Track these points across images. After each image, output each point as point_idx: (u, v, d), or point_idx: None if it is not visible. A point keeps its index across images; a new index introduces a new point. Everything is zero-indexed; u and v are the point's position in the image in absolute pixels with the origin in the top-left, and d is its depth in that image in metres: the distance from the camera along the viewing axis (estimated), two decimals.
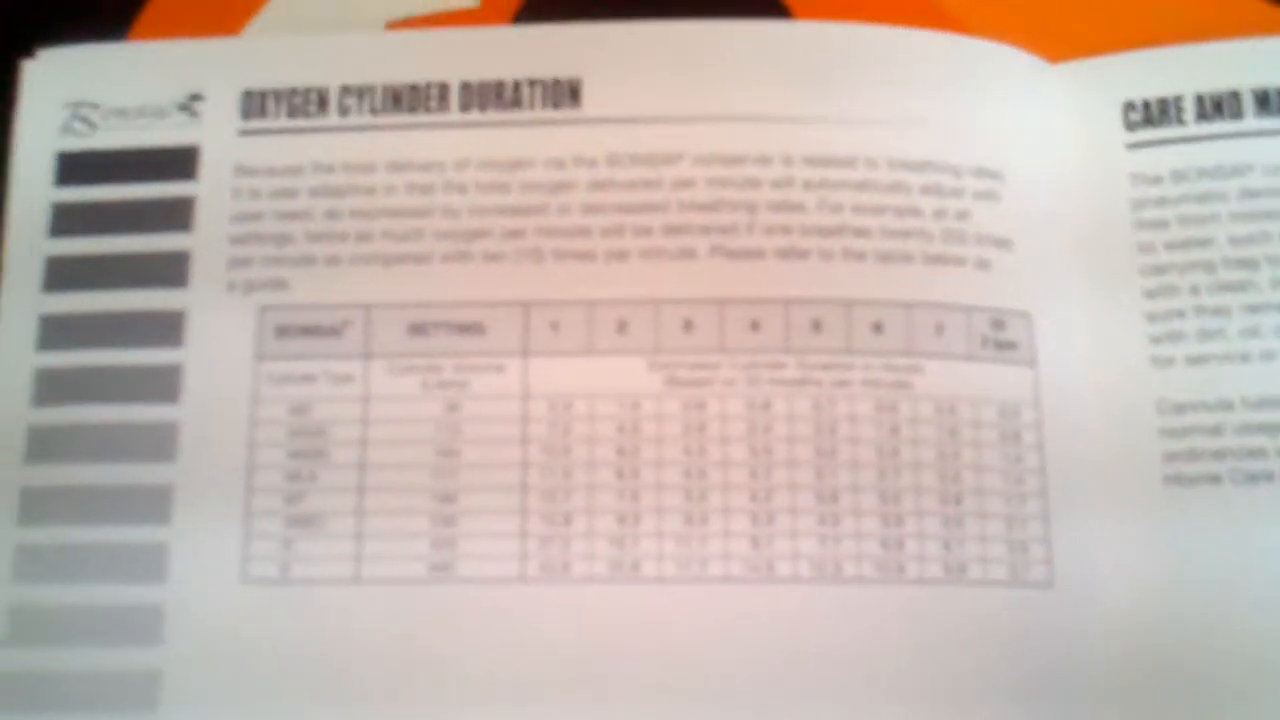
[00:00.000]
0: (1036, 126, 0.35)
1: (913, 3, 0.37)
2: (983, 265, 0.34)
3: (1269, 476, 0.32)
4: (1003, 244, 0.34)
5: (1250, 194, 0.34)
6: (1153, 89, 0.35)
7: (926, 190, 0.34)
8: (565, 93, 0.35)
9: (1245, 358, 0.33)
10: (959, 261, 0.34)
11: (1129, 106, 0.35)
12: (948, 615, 0.31)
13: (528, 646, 0.31)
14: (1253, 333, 0.33)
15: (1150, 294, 0.34)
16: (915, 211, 0.34)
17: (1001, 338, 0.33)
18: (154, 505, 0.32)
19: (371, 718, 0.31)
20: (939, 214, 0.34)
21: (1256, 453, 0.33)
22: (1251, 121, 0.35)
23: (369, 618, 0.32)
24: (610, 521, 0.32)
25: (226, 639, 0.32)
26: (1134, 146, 0.35)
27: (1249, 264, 0.34)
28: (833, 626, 0.31)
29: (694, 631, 0.32)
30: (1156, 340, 0.34)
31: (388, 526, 0.32)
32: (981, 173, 0.34)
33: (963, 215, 0.34)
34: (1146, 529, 0.32)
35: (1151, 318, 0.34)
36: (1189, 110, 0.35)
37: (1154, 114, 0.35)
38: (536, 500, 0.32)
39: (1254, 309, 0.33)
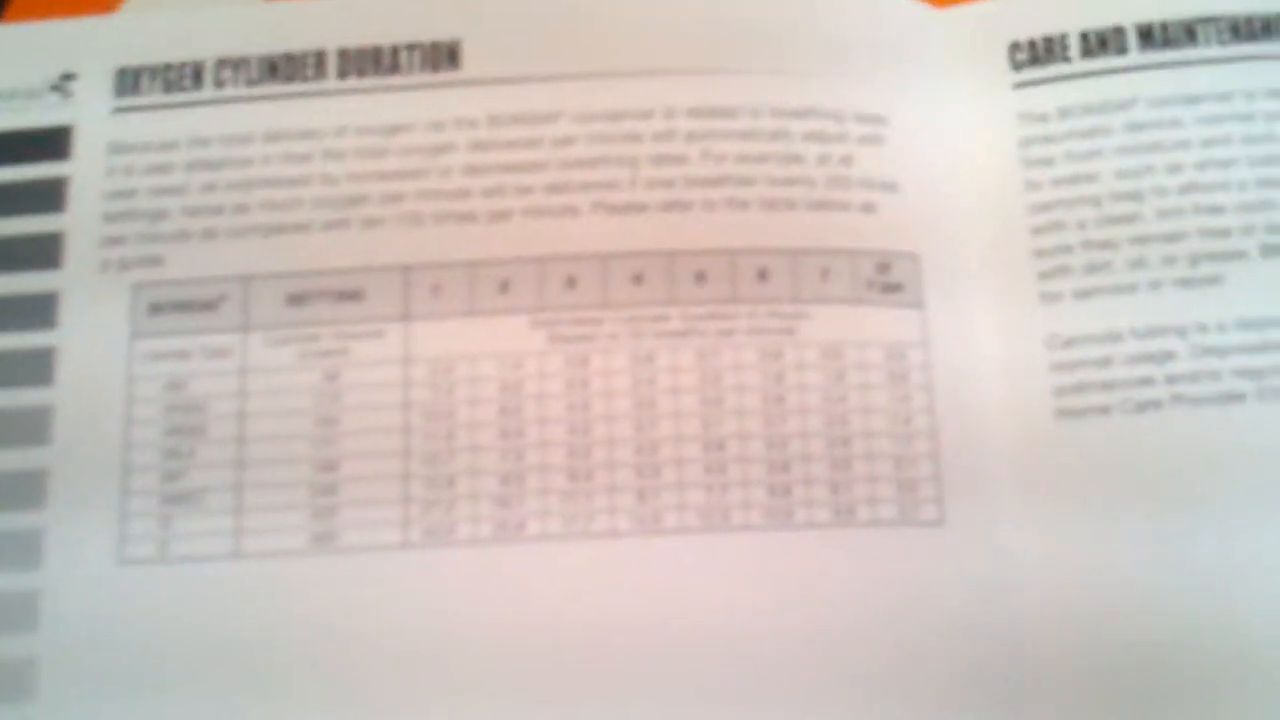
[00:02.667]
0: (922, 70, 0.36)
1: None
2: (868, 209, 0.34)
3: (1157, 405, 0.33)
4: (888, 187, 0.35)
5: (1135, 127, 0.35)
6: (1038, 28, 0.36)
7: (809, 137, 0.35)
8: (444, 55, 0.36)
9: (1132, 289, 0.34)
10: (843, 206, 0.34)
11: (1015, 47, 0.36)
12: (837, 558, 0.32)
13: (414, 612, 0.32)
14: (1139, 264, 0.34)
15: (1038, 231, 0.35)
16: (798, 159, 0.35)
17: (888, 280, 0.34)
18: (28, 490, 0.33)
19: (255, 692, 0.31)
20: (822, 160, 0.35)
21: (1145, 382, 0.33)
22: (1135, 56, 0.36)
23: (250, 593, 0.32)
24: (494, 482, 0.33)
25: (104, 623, 0.32)
26: (1020, 86, 0.36)
27: (1135, 196, 0.35)
28: (721, 576, 0.32)
29: (582, 588, 0.32)
30: (1045, 276, 0.34)
31: (267, 500, 0.33)
32: (865, 118, 0.35)
33: (846, 160, 0.35)
34: (1038, 462, 0.33)
35: (1040, 254, 0.35)
36: (1074, 47, 0.36)
37: (1039, 53, 0.36)
38: (419, 465, 0.33)
39: (1140, 240, 0.34)
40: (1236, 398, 0.33)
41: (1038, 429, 0.33)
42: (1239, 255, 0.34)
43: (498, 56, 0.36)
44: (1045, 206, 0.35)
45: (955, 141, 0.36)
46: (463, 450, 0.33)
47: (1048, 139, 0.35)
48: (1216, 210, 0.34)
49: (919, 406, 0.33)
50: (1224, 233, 0.34)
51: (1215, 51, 0.36)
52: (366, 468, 0.33)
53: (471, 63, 0.36)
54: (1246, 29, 0.36)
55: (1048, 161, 0.35)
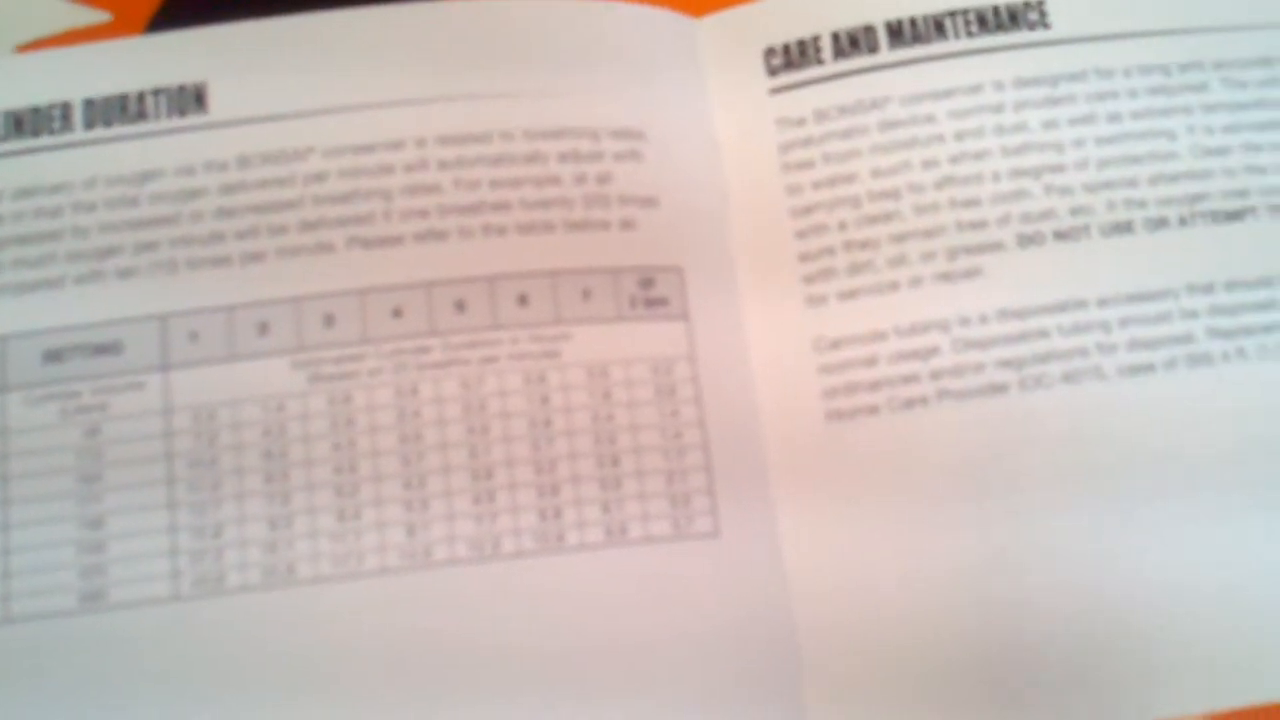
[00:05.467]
0: (678, 82, 0.37)
1: None
2: (628, 226, 0.36)
3: (923, 401, 0.34)
4: (648, 202, 0.36)
5: (889, 125, 0.37)
6: (791, 32, 0.38)
7: (565, 157, 0.36)
8: (190, 99, 0.37)
9: (894, 286, 0.35)
10: (603, 225, 0.35)
11: (770, 52, 0.38)
12: (610, 577, 0.33)
13: (184, 664, 0.32)
14: (900, 261, 0.35)
15: (801, 234, 0.36)
16: (555, 180, 0.36)
17: (651, 295, 0.35)
18: None
19: None
20: (579, 180, 0.36)
21: (910, 379, 0.35)
22: (886, 54, 0.37)
23: (19, 655, 0.32)
24: (262, 528, 0.33)
25: None
26: (777, 91, 0.37)
27: (892, 194, 0.36)
28: (494, 604, 0.33)
29: (355, 627, 0.33)
30: (810, 279, 0.36)
31: (33, 561, 0.33)
32: (621, 134, 0.36)
33: (604, 178, 0.36)
34: (811, 466, 0.34)
35: (804, 258, 0.36)
36: (826, 49, 0.38)
37: (794, 56, 0.38)
38: (186, 515, 0.34)
39: (900, 238, 0.36)
40: (1000, 389, 0.35)
41: (809, 433, 0.35)
42: (996, 246, 0.35)
43: (245, 96, 0.36)
44: (807, 210, 0.36)
45: (715, 151, 0.37)
46: (229, 498, 0.34)
47: (806, 142, 0.37)
48: (972, 203, 0.36)
49: (688, 420, 0.34)
50: (980, 225, 0.36)
51: (964, 44, 0.37)
52: (133, 522, 0.34)
53: (219, 104, 0.36)
54: (994, 19, 0.37)
55: (807, 165, 0.37)
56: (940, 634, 0.33)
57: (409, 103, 0.36)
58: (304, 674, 0.32)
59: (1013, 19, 0.37)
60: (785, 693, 0.33)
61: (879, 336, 0.35)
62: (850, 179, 0.36)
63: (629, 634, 0.33)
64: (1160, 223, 0.35)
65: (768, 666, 0.33)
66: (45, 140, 0.36)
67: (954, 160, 0.36)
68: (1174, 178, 0.36)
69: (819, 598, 0.33)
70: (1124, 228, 0.35)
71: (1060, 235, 0.35)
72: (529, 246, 0.35)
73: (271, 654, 0.33)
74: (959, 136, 0.36)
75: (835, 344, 0.35)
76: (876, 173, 0.36)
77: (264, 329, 0.35)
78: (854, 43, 0.37)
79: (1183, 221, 0.35)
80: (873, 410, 0.34)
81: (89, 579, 0.33)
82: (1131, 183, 0.36)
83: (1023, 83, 0.37)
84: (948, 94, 0.37)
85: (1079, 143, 0.36)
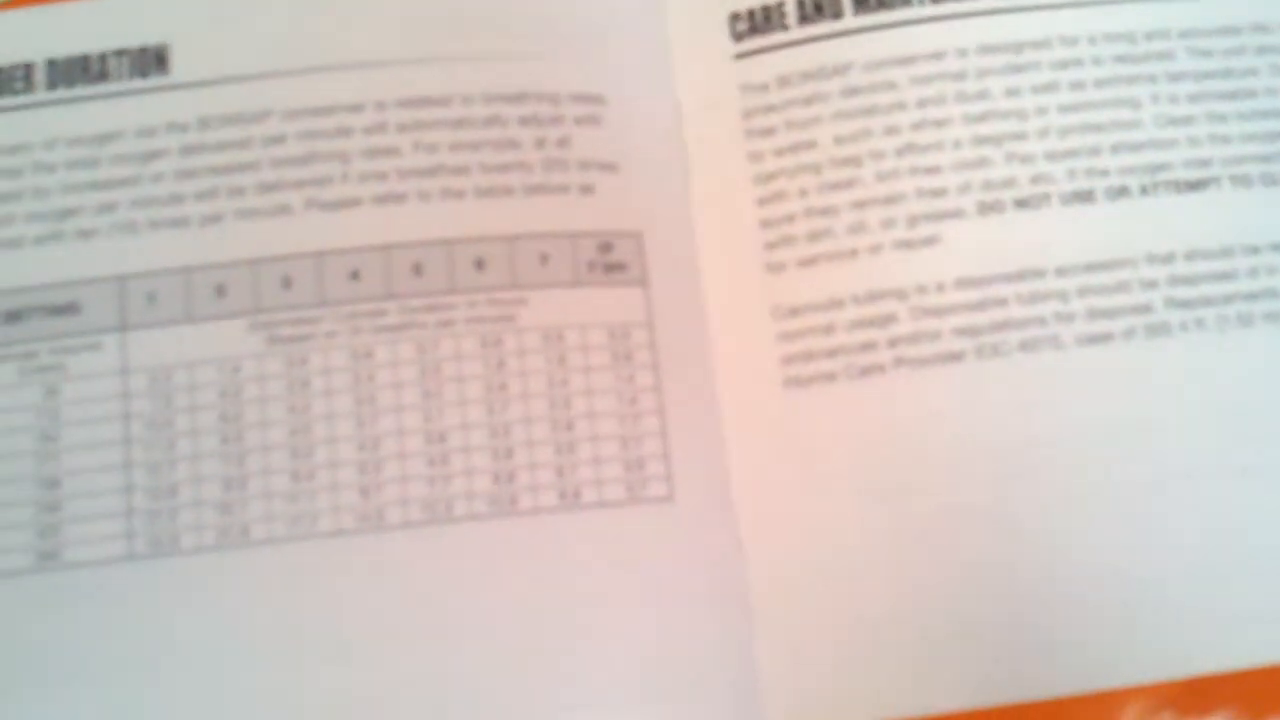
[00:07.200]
0: (642, 46, 0.38)
1: None
2: (587, 190, 0.36)
3: (880, 369, 0.35)
4: (608, 167, 0.36)
5: (851, 92, 0.37)
6: None
7: (525, 121, 0.36)
8: (152, 60, 0.37)
9: (853, 254, 0.36)
10: (562, 189, 0.36)
11: (735, 17, 0.38)
12: (563, 541, 0.34)
13: (139, 625, 0.33)
14: (859, 229, 0.36)
15: (762, 201, 0.37)
16: (514, 144, 0.36)
17: (610, 260, 0.36)
18: None
19: None
20: (539, 144, 0.36)
21: (868, 346, 0.35)
22: (850, 19, 0.38)
23: None
24: (216, 489, 0.34)
25: None
26: (741, 56, 0.38)
27: (853, 161, 0.36)
28: (446, 568, 0.34)
29: (308, 589, 0.33)
30: (770, 246, 0.36)
31: None
32: (581, 98, 0.37)
33: (564, 143, 0.36)
34: (768, 433, 0.35)
35: (765, 224, 0.36)
36: (791, 14, 0.38)
37: (759, 22, 0.38)
38: (141, 476, 0.34)
39: (859, 205, 0.36)
40: (956, 357, 0.35)
41: (766, 400, 0.35)
42: (956, 214, 0.36)
43: (206, 58, 0.37)
44: (769, 177, 0.37)
45: (677, 116, 0.37)
46: (184, 459, 0.34)
47: (769, 109, 0.37)
48: (933, 170, 0.36)
49: (645, 386, 0.35)
50: (940, 192, 0.36)
51: (928, 10, 0.38)
52: (89, 482, 0.34)
53: (180, 66, 0.37)
54: None
55: (769, 131, 0.37)
56: (893, 597, 0.34)
57: (369, 65, 0.37)
58: (256, 634, 0.33)
59: None
60: (738, 655, 0.33)
61: (837, 304, 0.35)
62: (812, 146, 0.37)
63: (581, 598, 0.33)
64: (1121, 192, 0.36)
65: (721, 629, 0.33)
66: (6, 100, 0.37)
67: (915, 127, 0.36)
68: (1137, 147, 0.36)
69: (774, 562, 0.34)
70: (1085, 196, 0.36)
71: (1020, 203, 0.36)
72: (487, 210, 0.36)
73: (225, 614, 0.33)
74: (921, 103, 0.37)
75: (794, 311, 0.36)
76: (838, 139, 0.37)
77: (221, 291, 0.35)
78: (819, 8, 0.38)
79: (1144, 191, 0.36)
80: (830, 378, 0.35)
81: (45, 538, 0.34)
82: (1094, 151, 0.36)
83: (986, 49, 0.37)
84: (910, 60, 0.37)
85: (1041, 110, 0.36)
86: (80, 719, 0.33)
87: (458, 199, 0.36)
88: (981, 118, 0.37)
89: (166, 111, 0.37)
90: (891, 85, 0.37)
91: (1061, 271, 0.35)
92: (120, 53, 0.37)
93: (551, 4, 0.37)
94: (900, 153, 0.36)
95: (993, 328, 0.35)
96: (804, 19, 0.38)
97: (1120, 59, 0.37)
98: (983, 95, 0.37)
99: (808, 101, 0.37)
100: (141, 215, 0.36)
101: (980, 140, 0.36)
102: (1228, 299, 0.35)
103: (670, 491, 0.34)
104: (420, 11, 0.37)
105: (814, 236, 0.36)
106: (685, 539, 0.34)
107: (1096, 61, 0.37)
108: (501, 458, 0.34)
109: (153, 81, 0.37)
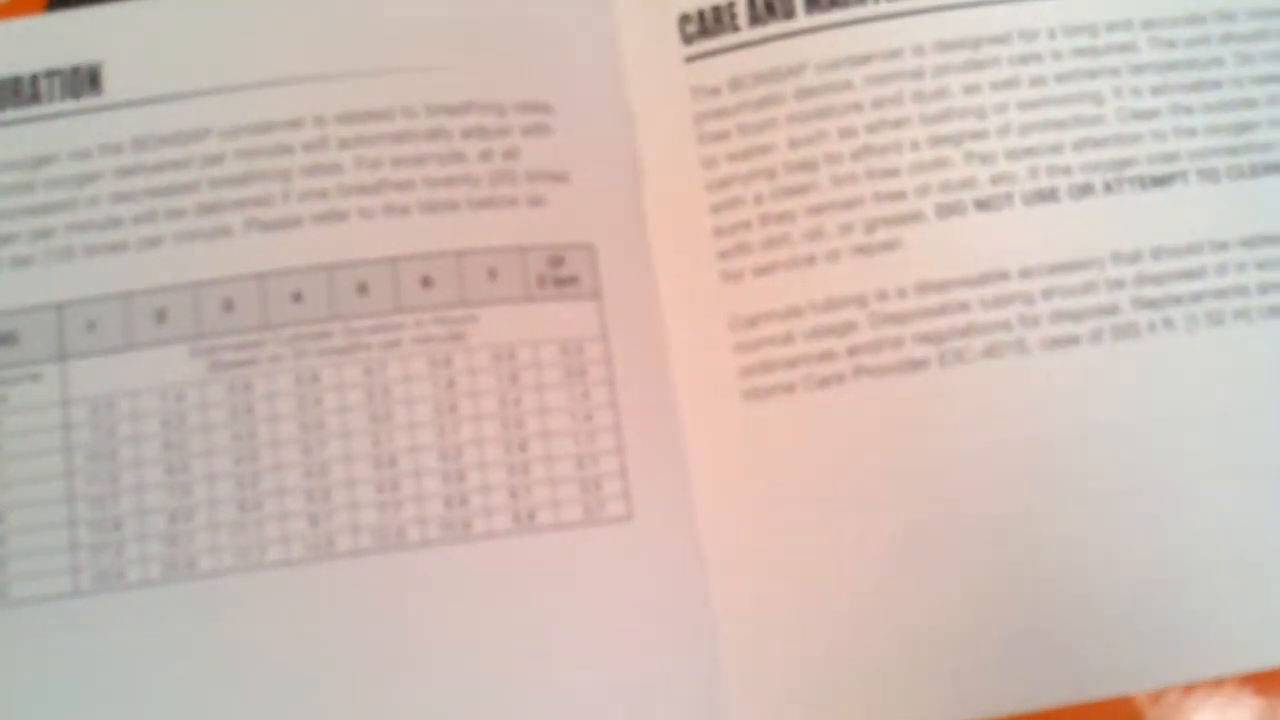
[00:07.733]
0: (590, 51, 0.37)
1: None
2: (536, 202, 0.35)
3: (840, 378, 0.34)
4: (557, 178, 0.35)
5: (806, 94, 0.36)
6: None
7: (469, 133, 0.35)
8: (85, 80, 0.36)
9: (811, 261, 0.35)
10: (510, 202, 0.35)
11: (684, 19, 0.37)
12: (519, 565, 0.33)
13: (87, 662, 0.32)
14: (816, 234, 0.35)
15: (716, 209, 0.36)
16: (459, 157, 0.35)
17: (561, 274, 0.35)
18: None
19: None
20: (485, 156, 0.35)
21: (827, 356, 0.34)
22: (803, 19, 0.37)
23: None
24: (162, 521, 0.33)
25: None
26: (692, 59, 0.37)
27: (809, 166, 0.36)
28: (398, 596, 0.33)
29: (257, 621, 0.33)
30: (725, 255, 0.35)
31: None
32: (527, 107, 0.36)
33: (511, 154, 0.35)
34: (727, 446, 0.34)
35: (719, 232, 0.36)
36: (742, 15, 0.37)
37: (709, 23, 0.37)
38: (85, 509, 0.33)
39: (816, 210, 0.35)
40: (918, 365, 0.34)
41: (725, 413, 0.35)
42: (915, 217, 0.35)
43: (140, 77, 0.36)
44: (722, 183, 0.36)
45: (628, 124, 0.36)
46: (128, 491, 0.34)
47: (721, 113, 0.36)
48: (891, 173, 0.35)
49: (600, 402, 0.34)
50: (899, 195, 0.35)
51: (883, 7, 0.37)
52: (32, 516, 0.33)
53: (114, 86, 0.36)
54: None
55: (722, 136, 0.36)
56: (859, 611, 0.33)
57: (308, 79, 0.36)
58: (206, 669, 0.32)
59: None
60: (703, 674, 0.33)
61: (795, 313, 0.35)
62: (766, 150, 0.36)
63: (538, 621, 0.33)
64: (1085, 190, 0.35)
65: (684, 649, 0.33)
66: None
67: (871, 129, 0.36)
68: (1100, 142, 0.35)
69: (736, 579, 0.33)
70: (1047, 195, 0.35)
71: (981, 205, 0.35)
72: (433, 226, 0.35)
73: (173, 649, 0.33)
74: (877, 104, 0.36)
75: (751, 321, 0.35)
76: (793, 143, 0.36)
77: (162, 316, 0.34)
78: (770, 8, 0.37)
79: (1108, 188, 0.35)
80: (789, 389, 0.34)
81: None
82: (1056, 149, 0.35)
83: (944, 46, 0.36)
84: (866, 60, 0.36)
85: (1001, 108, 0.36)
86: None
87: (402, 215, 0.35)
88: (940, 117, 0.36)
89: (101, 133, 0.36)
90: (847, 86, 0.36)
91: (1025, 273, 0.34)
92: (51, 73, 0.36)
93: (495, 11, 0.36)
94: (857, 155, 0.36)
95: (955, 333, 0.34)
96: (755, 19, 0.37)
97: (1081, 52, 0.36)
98: (941, 94, 0.36)
99: (761, 104, 0.36)
100: (78, 240, 0.35)
101: (939, 140, 0.36)
102: (1196, 297, 0.34)
103: (629, 510, 0.33)
104: (360, 23, 0.36)
105: (770, 243, 0.35)
106: (645, 559, 0.33)
107: (1057, 56, 0.36)
108: (453, 481, 0.33)
109: (86, 102, 0.36)
